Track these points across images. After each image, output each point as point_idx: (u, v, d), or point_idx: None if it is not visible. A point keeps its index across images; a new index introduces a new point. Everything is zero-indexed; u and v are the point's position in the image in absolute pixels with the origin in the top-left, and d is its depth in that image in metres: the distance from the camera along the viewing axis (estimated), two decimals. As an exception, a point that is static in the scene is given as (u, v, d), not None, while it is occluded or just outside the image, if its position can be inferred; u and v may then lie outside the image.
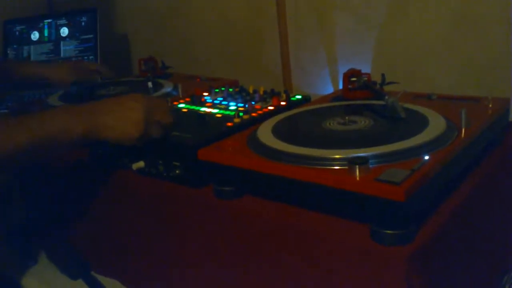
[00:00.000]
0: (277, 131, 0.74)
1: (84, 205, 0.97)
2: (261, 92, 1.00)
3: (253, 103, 0.94)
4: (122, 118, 0.76)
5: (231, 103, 0.96)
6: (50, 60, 1.51)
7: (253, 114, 0.88)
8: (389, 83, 0.90)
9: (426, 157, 0.60)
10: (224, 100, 0.99)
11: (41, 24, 1.52)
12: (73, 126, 0.73)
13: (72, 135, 0.73)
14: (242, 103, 0.96)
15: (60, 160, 0.97)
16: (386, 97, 0.77)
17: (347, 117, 0.77)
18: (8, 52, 1.53)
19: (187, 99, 1.02)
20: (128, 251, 0.91)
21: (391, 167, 0.59)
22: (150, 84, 1.10)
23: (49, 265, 1.01)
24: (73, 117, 0.74)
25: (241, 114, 0.86)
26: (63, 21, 1.50)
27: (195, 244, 0.78)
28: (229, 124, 0.83)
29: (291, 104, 0.94)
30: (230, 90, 1.06)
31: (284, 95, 0.97)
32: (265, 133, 0.74)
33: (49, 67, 1.22)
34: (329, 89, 1.24)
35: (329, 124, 0.76)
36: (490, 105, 0.78)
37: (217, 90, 1.06)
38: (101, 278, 0.93)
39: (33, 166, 1.01)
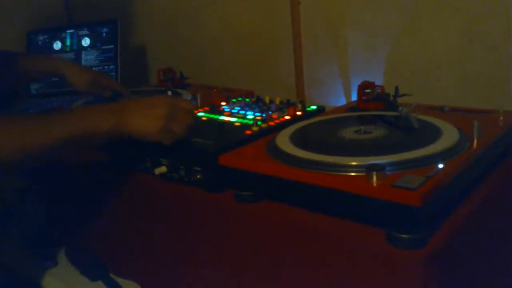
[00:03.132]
0: (295, 139, 0.77)
1: (104, 208, 1.00)
2: (277, 102, 1.04)
3: (270, 112, 0.97)
4: (146, 113, 0.80)
5: (249, 113, 0.99)
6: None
7: (271, 123, 0.91)
8: (402, 95, 0.93)
9: (440, 165, 0.63)
10: (241, 109, 1.03)
11: (63, 34, 1.57)
12: (103, 121, 0.78)
13: (103, 130, 0.78)
14: (259, 112, 0.99)
15: (81, 163, 1.00)
16: (400, 108, 0.80)
17: (362, 127, 0.79)
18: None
19: (206, 108, 1.05)
20: (147, 254, 0.94)
21: (407, 174, 0.61)
22: (169, 93, 1.14)
23: (69, 266, 1.04)
24: (102, 114, 0.79)
25: (259, 122, 0.89)
26: (84, 32, 1.55)
27: (215, 247, 0.81)
28: (248, 132, 0.87)
29: (307, 114, 0.97)
30: (247, 100, 1.09)
31: (300, 105, 1.00)
32: (283, 141, 0.77)
33: (72, 68, 1.20)
34: (341, 101, 1.27)
35: (345, 133, 0.79)
36: (501, 118, 0.81)
37: (234, 100, 1.09)
38: (120, 280, 0.96)
39: (53, 168, 1.05)
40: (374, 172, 0.60)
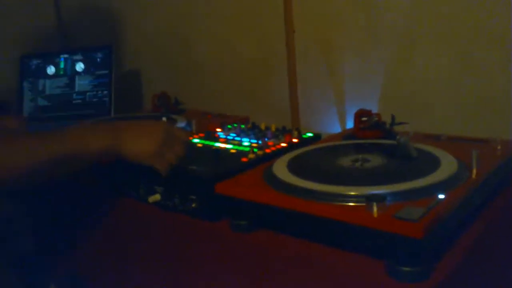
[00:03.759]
0: (293, 167, 0.76)
1: (95, 234, 0.98)
2: (273, 129, 1.03)
3: (266, 139, 0.97)
4: (142, 136, 0.79)
5: (244, 139, 0.99)
6: (65, 94, 1.54)
7: (267, 150, 0.90)
8: (399, 123, 0.92)
9: (441, 196, 0.62)
10: (237, 136, 1.02)
11: (57, 59, 1.56)
12: (95, 141, 0.75)
13: (94, 149, 0.74)
14: (255, 139, 0.98)
15: (75, 188, 0.98)
16: (398, 137, 0.79)
17: (360, 155, 0.79)
18: (24, 85, 1.56)
19: (201, 135, 1.05)
20: (140, 283, 0.91)
21: (407, 204, 0.60)
22: (164, 119, 1.13)
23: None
24: (94, 133, 0.76)
25: (255, 150, 0.88)
26: (79, 57, 1.54)
27: (210, 276, 0.78)
28: (244, 159, 0.86)
29: (303, 141, 0.96)
30: (242, 126, 1.09)
31: (296, 132, 0.99)
32: (281, 169, 0.76)
33: None
34: (336, 128, 1.27)
35: (343, 161, 0.78)
36: (499, 147, 0.81)
37: (229, 126, 1.09)
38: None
39: (43, 195, 1.02)
40: (375, 203, 0.59)
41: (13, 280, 0.98)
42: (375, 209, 0.59)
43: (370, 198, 0.60)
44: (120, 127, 0.80)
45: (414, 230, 0.56)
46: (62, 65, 1.55)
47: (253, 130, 1.04)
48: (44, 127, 1.41)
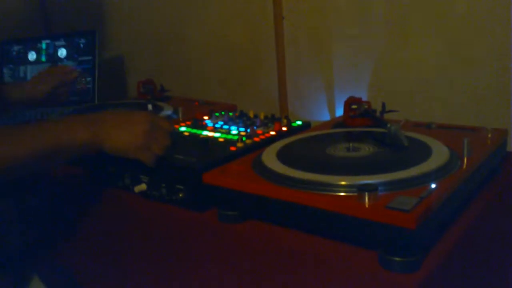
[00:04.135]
0: (282, 156, 0.75)
1: (80, 225, 0.95)
2: (262, 117, 1.01)
3: (254, 127, 0.95)
4: (125, 129, 0.77)
5: (232, 128, 0.97)
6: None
7: (256, 139, 0.88)
8: (389, 111, 0.91)
9: (433, 185, 0.61)
10: (225, 124, 1.00)
11: (39, 45, 1.52)
12: (79, 134, 0.74)
13: (77, 143, 0.73)
14: (243, 127, 0.96)
15: (59, 179, 0.96)
16: (388, 125, 0.78)
17: (350, 144, 0.78)
18: (4, 71, 1.52)
19: (188, 123, 1.02)
20: (127, 274, 0.90)
21: (399, 194, 0.59)
22: (150, 106, 1.10)
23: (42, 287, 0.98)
24: (79, 124, 0.75)
25: (244, 138, 0.86)
26: (61, 42, 1.50)
27: (197, 268, 0.77)
28: (233, 148, 0.84)
29: (292, 130, 0.95)
30: (230, 114, 1.07)
31: (285, 121, 0.98)
32: (270, 158, 0.74)
33: (23, 86, 1.19)
34: (325, 115, 1.25)
35: (333, 150, 0.76)
36: (489, 135, 0.80)
37: (217, 114, 1.07)
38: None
39: (26, 185, 1.00)
40: (366, 193, 0.58)
41: (2, 273, 0.95)
42: (366, 199, 0.58)
43: (361, 188, 0.59)
44: (104, 119, 0.78)
45: (406, 221, 0.55)
46: (44, 51, 1.51)
47: (241, 118, 1.02)
48: (26, 115, 1.38)
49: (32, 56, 1.52)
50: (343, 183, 0.63)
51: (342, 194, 0.62)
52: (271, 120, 0.99)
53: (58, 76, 1.19)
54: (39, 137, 0.72)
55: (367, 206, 0.58)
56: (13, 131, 0.73)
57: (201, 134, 0.94)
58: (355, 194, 0.60)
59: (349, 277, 0.60)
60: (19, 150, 0.70)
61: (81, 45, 1.48)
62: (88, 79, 1.46)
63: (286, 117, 0.99)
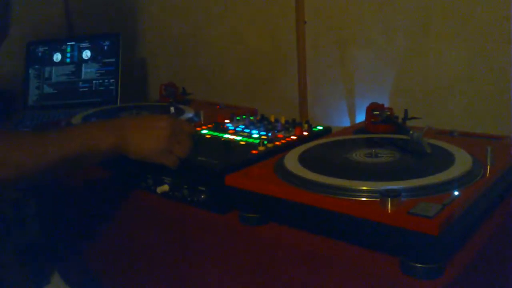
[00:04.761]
0: (304, 160, 0.75)
1: (101, 224, 0.97)
2: (283, 121, 1.02)
3: (275, 131, 0.96)
4: (148, 134, 0.79)
5: (254, 131, 0.97)
6: (71, 82, 1.53)
7: (277, 143, 0.89)
8: (411, 118, 0.91)
9: (456, 193, 0.61)
10: (246, 128, 1.01)
11: (64, 46, 1.55)
12: (102, 140, 0.76)
13: (103, 148, 0.76)
14: (264, 131, 0.97)
15: (82, 178, 0.98)
16: (411, 132, 0.78)
17: (372, 150, 0.78)
18: (30, 72, 1.56)
19: (210, 126, 1.03)
20: (145, 274, 0.91)
21: (422, 201, 0.59)
22: (172, 109, 1.12)
23: (62, 284, 1.00)
24: (103, 131, 0.77)
25: (265, 142, 0.87)
26: (86, 44, 1.53)
27: (217, 269, 0.78)
28: (254, 151, 0.85)
29: (313, 135, 0.95)
30: (252, 118, 1.07)
31: (306, 125, 0.98)
32: (292, 162, 0.75)
33: None
34: (345, 121, 1.25)
35: (355, 155, 0.77)
36: (513, 144, 0.79)
37: (238, 118, 1.07)
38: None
39: (51, 184, 1.02)
40: (389, 198, 0.58)
41: (17, 268, 0.98)
42: (389, 204, 0.58)
43: (384, 194, 0.59)
44: (127, 124, 0.80)
45: (429, 227, 0.55)
46: (68, 53, 1.54)
47: (262, 122, 1.03)
48: (49, 115, 1.40)
49: (57, 57, 1.55)
50: (365, 188, 0.63)
51: (364, 199, 0.62)
52: (292, 125, 1.00)
53: None
54: (66, 143, 0.74)
55: (389, 211, 0.58)
56: (39, 137, 0.76)
57: (222, 137, 0.95)
58: (378, 199, 0.60)
59: (370, 282, 0.60)
60: (45, 156, 0.72)
61: (105, 48, 1.51)
62: (112, 81, 1.48)
63: (307, 122, 1.00)
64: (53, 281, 1.01)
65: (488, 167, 0.70)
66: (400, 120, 0.91)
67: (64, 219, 1.07)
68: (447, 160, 0.72)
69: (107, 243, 0.97)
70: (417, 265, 0.57)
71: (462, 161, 0.71)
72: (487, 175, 0.69)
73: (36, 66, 1.56)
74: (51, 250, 1.10)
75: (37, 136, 0.78)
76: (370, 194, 0.62)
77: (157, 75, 1.70)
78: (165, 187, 0.83)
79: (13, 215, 1.02)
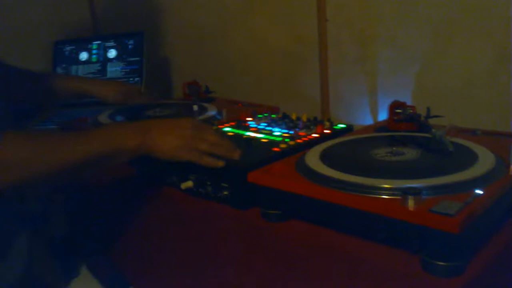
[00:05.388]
0: (326, 158, 0.76)
1: (128, 220, 0.99)
2: (304, 120, 1.03)
3: (297, 129, 0.96)
4: (173, 134, 0.81)
5: (275, 129, 0.99)
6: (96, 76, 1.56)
7: (298, 141, 0.90)
8: (434, 116, 0.91)
9: (478, 191, 0.61)
10: (268, 125, 1.02)
11: (90, 46, 1.58)
12: (128, 141, 0.78)
13: (128, 149, 0.78)
14: (286, 129, 0.98)
15: (108, 175, 1.00)
16: (433, 130, 0.78)
17: (394, 148, 0.78)
18: (57, 70, 1.59)
19: (232, 124, 1.05)
20: (169, 269, 0.93)
21: (443, 199, 0.60)
22: (195, 107, 1.14)
23: (90, 278, 1.03)
24: (129, 132, 0.80)
25: (287, 140, 0.88)
26: (111, 43, 1.56)
27: (238, 265, 0.79)
28: (276, 149, 0.86)
29: (335, 133, 0.96)
30: (273, 116, 1.08)
31: (328, 123, 0.99)
32: (314, 159, 0.76)
33: (96, 84, 1.23)
34: (367, 119, 1.25)
35: (377, 153, 0.77)
36: (537, 143, 0.78)
37: (260, 116, 1.09)
38: (140, 294, 0.94)
39: (79, 179, 1.04)
40: (410, 196, 0.59)
41: (48, 262, 1.01)
42: (410, 202, 0.59)
43: (405, 191, 0.59)
44: (150, 127, 0.82)
45: (451, 225, 0.55)
46: (94, 52, 1.58)
47: (284, 120, 1.04)
48: (76, 113, 1.43)
49: (83, 56, 1.59)
50: (387, 186, 0.64)
51: (385, 197, 0.63)
52: (313, 123, 1.00)
53: (128, 96, 1.23)
54: (92, 143, 0.76)
55: (410, 209, 0.59)
56: (67, 137, 0.79)
57: (244, 134, 0.97)
58: (399, 197, 0.60)
59: (390, 280, 0.61)
60: (73, 156, 0.74)
61: (130, 46, 1.54)
62: (136, 79, 1.51)
63: (329, 120, 1.00)
64: (82, 274, 1.04)
65: (511, 165, 0.70)
66: (422, 118, 0.91)
67: (91, 214, 1.10)
68: (470, 158, 0.71)
69: (132, 238, 0.99)
70: (438, 263, 0.57)
71: (485, 160, 0.70)
72: (510, 173, 0.68)
73: (63, 65, 1.60)
74: (79, 244, 1.12)
75: (65, 135, 0.81)
76: (391, 192, 0.63)
77: (180, 73, 1.72)
78: (189, 183, 0.85)
79: (43, 209, 1.05)
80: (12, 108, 0.95)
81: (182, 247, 0.89)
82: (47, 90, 1.15)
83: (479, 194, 0.61)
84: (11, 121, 0.87)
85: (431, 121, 0.92)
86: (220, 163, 0.80)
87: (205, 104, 1.21)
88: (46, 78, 1.19)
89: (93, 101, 1.23)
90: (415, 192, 0.59)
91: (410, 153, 0.76)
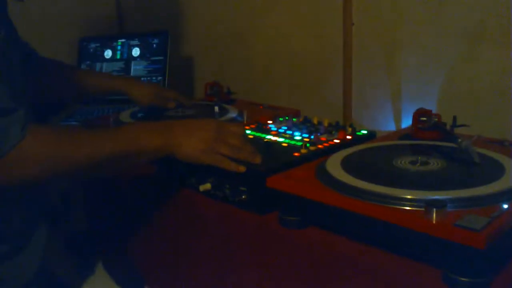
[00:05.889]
0: (347, 165, 0.75)
1: (145, 219, 0.99)
2: (326, 124, 1.01)
3: (318, 134, 0.95)
4: (194, 137, 0.81)
5: (296, 133, 0.97)
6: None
7: (319, 146, 0.89)
8: (460, 125, 0.88)
9: (505, 206, 0.59)
10: (288, 129, 1.01)
11: (115, 43, 1.59)
12: (151, 141, 0.79)
13: (150, 149, 0.79)
14: (307, 133, 0.97)
15: (127, 174, 1.00)
16: (459, 140, 0.76)
17: (418, 157, 0.76)
18: (82, 67, 1.61)
19: (252, 126, 1.04)
20: (185, 270, 0.92)
21: (468, 212, 0.58)
22: (216, 108, 1.13)
23: (105, 276, 1.03)
24: (152, 132, 0.80)
25: (308, 145, 0.87)
26: (135, 42, 1.57)
27: (256, 270, 0.78)
28: (296, 154, 0.85)
29: (357, 139, 0.94)
30: (294, 120, 1.07)
31: (350, 129, 0.97)
32: (335, 166, 0.74)
33: (128, 83, 1.22)
34: (390, 126, 1.23)
35: (400, 162, 0.75)
36: None
37: (281, 119, 1.07)
38: (156, 294, 0.94)
39: (98, 177, 1.05)
40: (434, 209, 0.57)
41: (64, 258, 1.01)
42: (434, 215, 0.57)
43: (429, 204, 0.58)
44: (174, 127, 0.82)
45: (476, 240, 0.53)
46: (119, 49, 1.59)
47: (305, 124, 1.02)
48: (98, 111, 1.44)
49: (108, 53, 1.60)
50: (409, 197, 0.62)
51: (408, 208, 0.61)
52: (335, 128, 0.99)
53: (160, 99, 1.21)
54: (116, 142, 0.77)
55: (434, 222, 0.57)
56: (91, 134, 0.80)
57: (265, 138, 0.95)
58: (422, 209, 0.59)
59: (410, 293, 0.59)
60: (98, 153, 0.75)
61: (154, 45, 1.54)
62: (159, 78, 1.51)
63: (351, 126, 0.99)
64: (97, 272, 1.04)
65: (541, 180, 0.67)
66: (448, 127, 0.89)
67: (109, 213, 1.10)
68: (497, 170, 0.69)
69: (148, 238, 0.99)
70: (461, 279, 0.55)
71: (513, 173, 0.68)
72: (540, 188, 0.66)
73: (88, 62, 1.61)
74: (96, 242, 1.13)
75: (90, 132, 0.81)
76: (414, 203, 0.61)
77: (202, 74, 1.72)
78: (208, 186, 0.84)
79: (61, 206, 1.06)
80: (37, 103, 0.97)
81: (198, 249, 0.89)
82: (81, 85, 1.15)
83: (506, 208, 0.59)
84: (35, 116, 0.88)
85: (457, 131, 0.90)
86: (242, 168, 0.79)
87: (226, 106, 1.20)
88: (80, 73, 1.20)
89: (113, 99, 1.23)
90: (440, 204, 0.57)
91: (434, 163, 0.74)
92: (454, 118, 0.89)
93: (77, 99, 1.37)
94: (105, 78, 1.20)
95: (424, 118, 0.89)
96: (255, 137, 0.97)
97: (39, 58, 1.10)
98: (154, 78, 1.52)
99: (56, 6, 1.72)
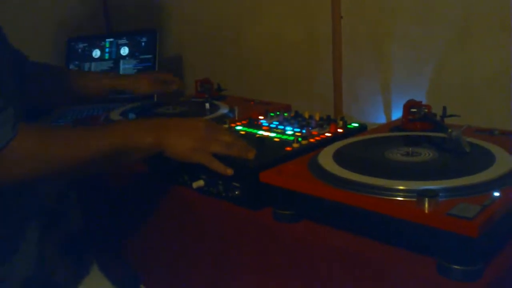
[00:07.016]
0: (339, 158, 0.75)
1: (139, 218, 0.99)
2: (317, 118, 1.01)
3: (310, 128, 0.95)
4: (184, 135, 0.81)
5: (288, 128, 0.97)
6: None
7: (311, 140, 0.89)
8: (450, 115, 0.89)
9: (496, 194, 0.60)
10: (280, 124, 1.01)
11: (103, 43, 1.58)
12: (142, 138, 0.79)
13: (142, 147, 0.79)
14: (298, 128, 0.97)
15: (119, 173, 1.00)
16: (450, 130, 0.76)
17: (409, 148, 0.76)
18: (70, 67, 1.60)
19: (244, 122, 1.04)
20: (180, 268, 0.93)
21: (460, 201, 0.58)
22: (207, 105, 1.13)
23: (101, 277, 1.03)
24: (143, 130, 0.80)
25: (299, 139, 0.87)
26: (124, 41, 1.56)
27: (251, 265, 0.78)
28: (288, 148, 0.85)
29: (348, 132, 0.94)
30: (286, 114, 1.07)
31: (341, 122, 0.97)
32: (327, 160, 0.75)
33: (128, 79, 1.21)
34: (381, 118, 1.23)
35: (392, 154, 0.76)
36: (558, 144, 0.76)
37: (272, 114, 1.08)
38: (151, 293, 0.94)
39: (92, 176, 1.04)
40: (427, 198, 0.57)
41: (59, 259, 1.01)
42: (426, 205, 0.57)
43: (421, 194, 0.58)
44: (165, 125, 0.82)
45: (468, 228, 0.53)
46: (107, 49, 1.58)
47: (297, 119, 1.02)
48: (88, 110, 1.44)
49: (96, 53, 1.59)
50: (402, 187, 0.62)
51: (400, 198, 0.61)
52: (326, 121, 0.99)
53: (160, 85, 1.22)
54: (107, 140, 0.77)
55: (426, 211, 0.57)
56: (82, 132, 0.79)
57: (256, 133, 0.96)
58: (414, 199, 0.59)
59: (405, 283, 0.60)
60: (88, 151, 0.75)
61: (142, 44, 1.54)
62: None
63: (342, 119, 0.99)
64: (92, 273, 1.04)
65: (531, 167, 0.68)
66: (438, 118, 0.89)
67: (103, 213, 1.10)
68: (487, 159, 0.70)
69: (143, 237, 0.99)
70: (454, 266, 0.56)
71: (503, 161, 0.69)
72: (529, 175, 0.66)
73: (76, 62, 1.60)
74: (90, 242, 1.13)
75: (80, 130, 0.81)
76: (406, 194, 0.61)
77: (192, 71, 1.72)
78: (201, 183, 0.84)
79: (56, 207, 1.05)
80: (27, 105, 0.96)
81: (193, 246, 0.89)
82: (79, 88, 1.14)
83: (497, 196, 0.59)
84: (25, 118, 0.87)
85: (447, 121, 0.90)
86: (229, 171, 0.79)
87: (217, 102, 1.20)
88: (77, 77, 1.17)
89: (113, 98, 1.22)
90: (431, 194, 0.58)
91: (425, 154, 0.75)
92: (444, 108, 0.89)
93: (75, 102, 1.36)
94: (105, 78, 1.19)
95: (414, 110, 0.90)
96: (247, 133, 0.97)
97: (33, 63, 1.09)
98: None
99: (42, 8, 1.70)
